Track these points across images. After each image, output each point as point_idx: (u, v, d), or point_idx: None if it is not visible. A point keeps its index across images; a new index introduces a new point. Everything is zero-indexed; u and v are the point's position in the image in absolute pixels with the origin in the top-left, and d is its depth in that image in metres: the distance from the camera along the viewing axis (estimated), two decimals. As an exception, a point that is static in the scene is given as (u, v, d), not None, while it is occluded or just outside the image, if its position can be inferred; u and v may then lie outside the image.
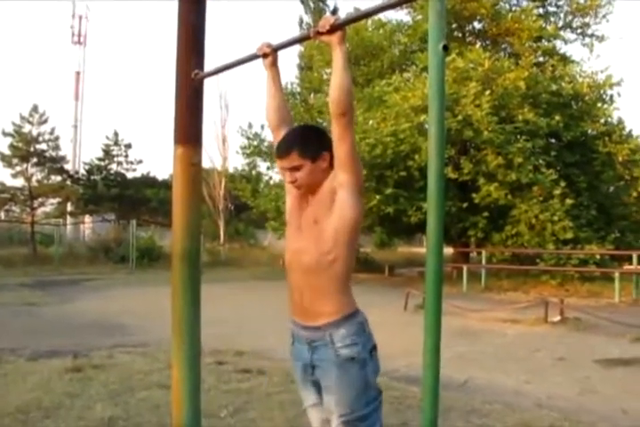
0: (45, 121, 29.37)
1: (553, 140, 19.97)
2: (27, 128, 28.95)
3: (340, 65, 2.31)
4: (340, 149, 2.38)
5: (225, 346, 7.49)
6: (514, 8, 23.47)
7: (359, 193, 2.45)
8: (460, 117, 17.34)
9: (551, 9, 24.53)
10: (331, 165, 2.49)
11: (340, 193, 2.42)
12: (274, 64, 2.68)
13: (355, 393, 2.42)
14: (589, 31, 24.47)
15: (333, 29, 2.21)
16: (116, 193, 33.17)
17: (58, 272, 21.36)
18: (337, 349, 2.43)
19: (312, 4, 30.41)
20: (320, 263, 2.44)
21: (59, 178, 31.20)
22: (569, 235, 17.11)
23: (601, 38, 24.39)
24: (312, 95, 25.56)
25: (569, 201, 17.35)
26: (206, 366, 6.02)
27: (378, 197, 17.68)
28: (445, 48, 1.81)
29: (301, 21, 30.52)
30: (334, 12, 29.35)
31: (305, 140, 2.54)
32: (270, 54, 2.60)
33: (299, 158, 2.49)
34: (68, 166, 33.75)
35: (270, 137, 28.06)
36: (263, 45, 2.58)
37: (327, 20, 2.23)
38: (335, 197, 2.43)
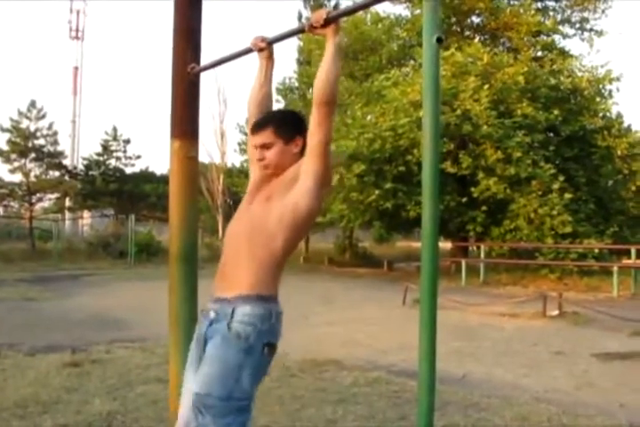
0: (43, 116, 29.35)
1: (551, 135, 19.94)
2: (25, 123, 28.94)
3: (329, 56, 2.31)
4: (314, 137, 2.37)
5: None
6: (512, 2, 23.43)
7: (322, 183, 2.40)
8: (458, 112, 17.34)
9: (550, 3, 24.53)
10: (301, 153, 2.46)
11: (302, 179, 2.38)
12: (269, 57, 2.68)
13: (219, 374, 2.25)
14: (588, 26, 24.52)
15: (327, 23, 2.22)
16: (114, 188, 33.17)
17: (56, 267, 21.36)
18: (232, 322, 2.29)
19: (311, -1, 30.31)
20: (257, 236, 2.37)
21: (57, 173, 31.19)
22: (567, 229, 17.12)
23: (600, 33, 24.42)
24: (310, 90, 25.51)
25: (568, 195, 17.36)
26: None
27: (377, 191, 17.69)
28: (439, 40, 1.81)
29: (300, 16, 30.44)
30: (336, 6, 29.27)
31: (282, 121, 2.54)
32: (265, 48, 2.60)
33: (272, 136, 2.48)
34: (66, 162, 33.79)
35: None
36: (257, 40, 2.57)
37: (321, 13, 2.24)
38: (295, 182, 2.39)
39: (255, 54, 2.67)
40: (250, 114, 2.76)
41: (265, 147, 2.48)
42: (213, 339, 2.32)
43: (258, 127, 2.53)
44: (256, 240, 2.37)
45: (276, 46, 2.67)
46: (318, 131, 2.36)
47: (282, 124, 2.51)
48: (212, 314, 2.38)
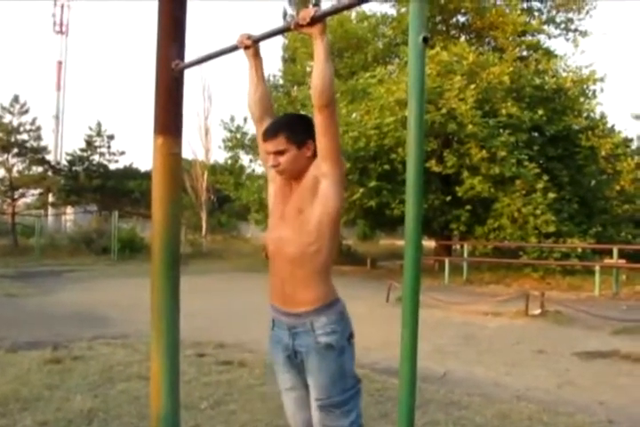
0: (26, 111, 29.16)
1: (536, 134, 20.04)
2: (7, 118, 28.75)
3: (321, 57, 2.32)
4: (323, 140, 2.40)
5: (206, 338, 7.48)
6: (498, 2, 23.51)
7: (341, 184, 2.49)
8: (443, 111, 17.36)
9: (535, 4, 24.63)
10: (314, 155, 2.51)
11: (323, 183, 2.46)
12: (256, 55, 2.66)
13: (331, 379, 2.50)
14: (573, 26, 24.64)
15: (314, 21, 2.21)
16: (98, 184, 33.00)
17: (39, 263, 21.24)
18: (317, 336, 2.50)
19: (296, -4, 30.30)
20: (303, 254, 2.48)
21: (40, 169, 30.95)
22: (551, 228, 17.21)
23: (584, 33, 24.56)
24: (295, 88, 25.49)
25: (551, 195, 17.45)
26: (187, 357, 6.02)
27: (361, 189, 17.70)
28: (425, 40, 1.81)
29: (285, 14, 30.44)
30: (316, 4, 29.26)
31: (293, 126, 2.59)
32: (251, 46, 2.59)
33: (285, 142, 2.53)
34: (49, 157, 33.53)
35: (253, 130, 28.07)
36: (243, 37, 2.56)
37: (307, 11, 2.23)
38: (319, 186, 2.47)
39: (241, 52, 2.66)
40: (252, 115, 2.78)
41: (279, 153, 2.54)
42: (309, 355, 2.53)
43: (270, 134, 2.58)
44: (303, 258, 2.49)
45: (260, 44, 2.65)
46: (326, 134, 2.40)
47: (293, 129, 2.57)
48: (289, 327, 2.58)
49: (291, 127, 2.58)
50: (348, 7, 2.30)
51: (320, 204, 2.46)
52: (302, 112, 22.75)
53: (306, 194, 2.51)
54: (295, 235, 2.50)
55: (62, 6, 47.86)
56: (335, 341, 2.51)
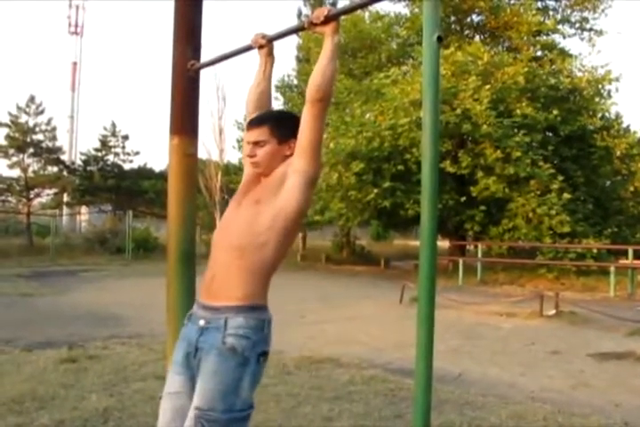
0: (42, 111, 29.37)
1: (550, 135, 19.95)
2: (23, 118, 28.96)
3: (327, 54, 2.30)
4: (305, 135, 2.33)
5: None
6: (512, 1, 23.42)
7: (311, 184, 2.36)
8: (458, 111, 17.32)
9: (550, 3, 24.52)
10: (292, 155, 2.41)
11: (291, 179, 2.34)
12: (269, 54, 2.66)
13: (220, 390, 2.23)
14: (588, 26, 24.51)
15: (327, 20, 2.22)
16: (112, 184, 33.13)
17: (53, 263, 21.36)
18: (226, 335, 2.26)
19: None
20: (248, 243, 2.31)
21: (55, 169, 31.16)
22: (566, 229, 17.12)
23: (599, 33, 24.43)
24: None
25: (566, 195, 17.37)
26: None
27: (375, 190, 17.69)
28: (440, 39, 1.81)
29: (300, 13, 30.45)
30: (334, 4, 29.28)
31: (280, 121, 2.50)
32: (265, 45, 2.59)
33: (267, 134, 2.43)
34: (64, 157, 33.73)
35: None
36: (258, 36, 2.57)
37: (321, 11, 2.23)
38: (285, 181, 2.35)
39: (255, 51, 2.67)
40: (248, 111, 2.73)
41: (258, 144, 2.44)
42: (209, 354, 2.28)
43: (254, 123, 2.49)
44: (247, 248, 2.32)
45: (275, 44, 2.66)
46: (310, 129, 2.32)
47: (279, 123, 2.47)
48: (202, 322, 2.34)
49: (277, 121, 2.49)
50: (362, 6, 2.31)
51: (282, 198, 2.33)
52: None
53: (270, 186, 2.38)
54: (245, 223, 2.35)
55: (77, 8, 48.30)
56: (243, 347, 2.25)
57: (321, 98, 2.32)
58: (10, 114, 28.80)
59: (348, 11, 2.41)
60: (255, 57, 2.70)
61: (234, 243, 2.34)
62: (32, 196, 29.19)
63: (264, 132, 2.44)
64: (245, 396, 2.25)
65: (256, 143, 2.44)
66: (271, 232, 2.31)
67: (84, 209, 35.88)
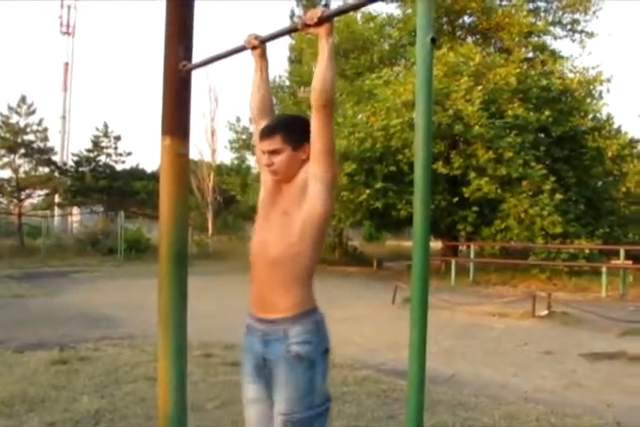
0: (33, 112, 29.26)
1: (542, 135, 20.01)
2: (14, 119, 28.87)
3: (325, 57, 2.30)
4: (317, 141, 2.36)
5: (213, 339, 7.48)
6: (504, 3, 23.51)
7: (332, 187, 2.42)
8: (450, 112, 17.36)
9: (541, 4, 24.65)
10: (309, 159, 2.45)
11: (312, 185, 2.39)
12: (262, 55, 2.65)
13: (298, 393, 2.38)
14: (579, 27, 24.64)
15: (321, 22, 2.20)
16: (104, 185, 33.04)
17: (45, 264, 21.29)
18: (288, 344, 2.39)
19: (303, -4, 30.34)
20: (284, 255, 2.39)
21: (46, 169, 31.05)
22: (558, 229, 17.17)
23: (590, 35, 24.56)
24: (301, 89, 25.53)
25: (558, 196, 17.42)
26: (194, 358, 6.02)
27: (367, 191, 17.70)
28: (433, 41, 1.80)
29: (293, 14, 30.48)
30: (326, 5, 29.30)
31: (291, 127, 2.54)
32: (258, 46, 2.58)
33: (281, 142, 2.48)
34: (55, 158, 33.61)
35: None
36: (250, 37, 2.55)
37: (315, 12, 2.22)
38: (307, 189, 2.40)
39: (248, 52, 2.66)
40: (253, 116, 2.75)
41: (273, 153, 2.48)
42: (278, 364, 2.41)
43: (267, 133, 2.53)
44: (284, 260, 2.40)
45: (267, 45, 2.65)
46: (321, 135, 2.36)
47: (291, 130, 2.51)
48: (262, 334, 2.46)
49: (288, 128, 2.53)
50: (357, 7, 2.30)
51: (307, 206, 2.39)
52: (308, 113, 22.78)
53: (293, 196, 2.45)
54: (278, 236, 2.42)
55: (69, 8, 48.10)
56: (307, 352, 2.39)
57: (325, 104, 2.35)
58: (1, 114, 28.71)
59: (342, 12, 2.39)
60: (248, 58, 2.69)
61: (271, 256, 2.43)
62: (23, 196, 29.08)
63: (277, 141, 2.48)
64: (320, 391, 2.42)
65: (271, 152, 2.49)
66: (303, 241, 2.40)
67: (75, 210, 35.77)
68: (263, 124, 2.66)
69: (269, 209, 2.54)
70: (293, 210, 2.42)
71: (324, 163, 2.38)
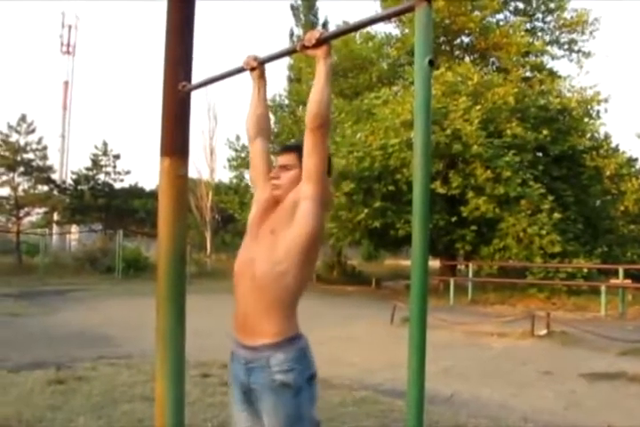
0: (33, 130, 29.32)
1: (540, 155, 20.07)
2: (14, 137, 28.91)
3: (322, 79, 2.32)
4: (310, 160, 2.37)
5: (210, 358, 7.43)
6: (502, 23, 23.68)
7: (323, 207, 2.42)
8: (448, 131, 17.42)
9: (539, 24, 24.83)
10: None
11: (302, 204, 2.38)
12: (261, 76, 2.67)
13: (286, 421, 2.34)
14: (576, 47, 24.79)
15: (319, 43, 2.22)
16: (103, 203, 33.03)
17: (43, 282, 21.20)
18: (272, 373, 2.35)
19: (303, 17, 30.60)
20: (270, 274, 2.36)
21: (45, 187, 31.06)
22: (556, 248, 17.18)
23: (588, 54, 24.71)
24: (300, 108, 25.63)
25: (556, 215, 17.43)
26: (191, 378, 5.98)
27: (366, 210, 17.71)
28: (431, 63, 1.81)
29: (292, 33, 30.70)
30: (324, 25, 29.55)
31: None
32: (257, 68, 2.60)
33: (294, 159, 2.53)
34: (55, 176, 33.63)
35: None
36: (250, 59, 2.57)
37: (313, 34, 2.23)
38: (297, 209, 2.39)
39: (246, 73, 2.67)
40: (249, 135, 2.77)
41: (285, 168, 2.54)
42: (263, 393, 2.38)
43: (286, 148, 2.64)
44: (269, 279, 2.37)
45: (266, 63, 2.67)
46: (314, 154, 2.37)
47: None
48: (245, 362, 2.44)
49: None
50: (354, 29, 2.31)
51: (295, 226, 2.37)
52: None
53: (282, 215, 2.44)
54: (264, 254, 2.40)
55: (69, 27, 48.27)
56: (292, 380, 2.34)
57: (320, 125, 2.38)
58: (1, 133, 28.77)
59: (340, 34, 2.42)
60: (248, 78, 2.71)
61: (256, 275, 2.40)
62: (22, 214, 29.06)
63: (292, 158, 2.55)
64: (309, 417, 2.38)
65: (283, 167, 2.55)
66: (290, 260, 2.36)
67: (74, 228, 35.71)
68: (258, 143, 2.72)
69: (257, 228, 2.53)
70: (281, 228, 2.41)
71: (315, 182, 2.38)
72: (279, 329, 2.37)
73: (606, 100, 21.08)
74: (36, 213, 31.97)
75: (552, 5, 24.12)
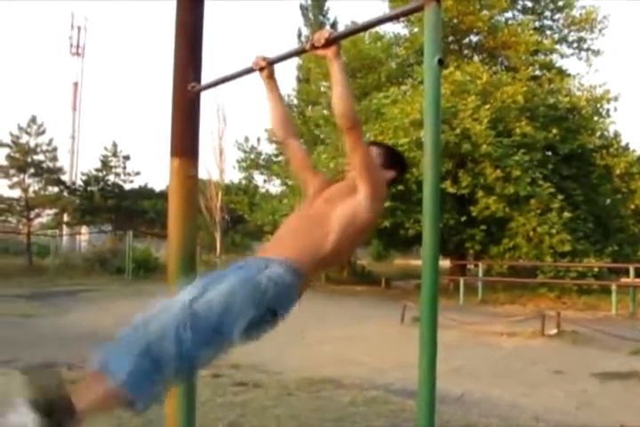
0: (43, 132, 29.43)
1: (550, 153, 20.00)
2: (24, 139, 29.03)
3: (339, 79, 2.32)
4: (353, 159, 2.47)
5: (221, 359, 7.43)
6: (510, 21, 23.61)
7: (375, 198, 2.51)
8: (457, 131, 17.38)
9: (547, 23, 24.73)
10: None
11: (357, 197, 2.49)
12: (270, 77, 2.68)
13: (224, 305, 2.15)
14: (585, 45, 24.67)
15: (328, 43, 2.22)
16: (113, 204, 33.16)
17: (53, 283, 21.26)
18: (260, 273, 2.23)
19: (312, 17, 30.55)
20: (316, 228, 2.45)
21: (55, 189, 31.18)
22: (567, 248, 17.12)
23: (597, 53, 24.58)
24: (310, 107, 25.62)
25: (567, 214, 17.37)
26: (202, 378, 5.98)
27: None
28: (441, 62, 1.81)
29: (300, 33, 30.67)
30: (333, 25, 29.50)
31: (384, 148, 2.85)
32: (266, 68, 2.60)
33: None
34: (65, 177, 33.77)
35: (267, 150, 28.17)
36: (258, 59, 2.58)
37: (322, 34, 2.24)
38: (353, 195, 2.50)
39: (255, 73, 2.68)
40: (278, 136, 2.84)
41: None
42: (236, 271, 2.28)
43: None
44: (313, 230, 2.45)
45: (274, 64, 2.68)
46: (355, 153, 2.45)
47: (381, 146, 2.84)
48: (242, 262, 2.41)
49: (382, 147, 2.84)
50: (364, 29, 2.32)
51: (351, 206, 2.48)
52: (316, 132, 22.86)
53: (339, 191, 2.58)
54: (316, 214, 2.52)
55: (79, 28, 48.49)
56: (266, 287, 2.20)
57: (352, 125, 2.41)
58: (11, 134, 28.92)
59: (349, 34, 2.42)
60: (257, 78, 2.71)
61: (303, 224, 2.53)
62: (32, 216, 29.17)
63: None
64: (234, 327, 2.19)
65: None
66: (336, 226, 2.45)
67: (84, 229, 35.84)
68: (290, 144, 2.76)
69: (313, 199, 2.66)
70: (337, 200, 2.52)
71: (363, 178, 2.47)
72: (295, 255, 2.37)
73: (616, 99, 21.00)
74: (47, 215, 32.14)
75: (560, 3, 23.99)
